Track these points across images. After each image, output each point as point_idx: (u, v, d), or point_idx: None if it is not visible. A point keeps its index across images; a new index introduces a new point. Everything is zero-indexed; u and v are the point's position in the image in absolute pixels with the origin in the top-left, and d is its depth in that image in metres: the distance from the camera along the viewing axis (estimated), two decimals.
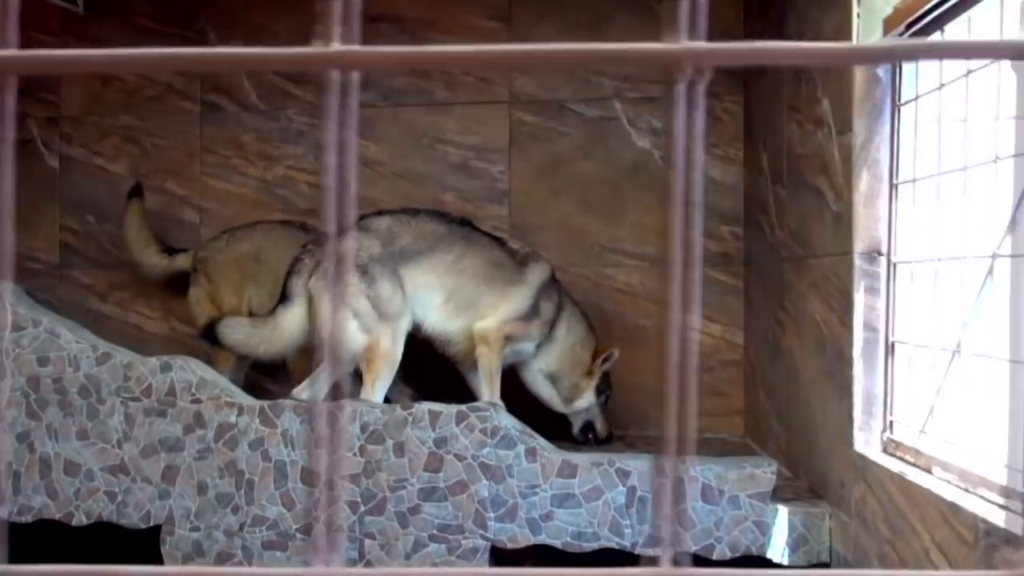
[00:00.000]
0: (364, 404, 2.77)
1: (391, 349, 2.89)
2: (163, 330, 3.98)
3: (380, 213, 3.10)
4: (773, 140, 3.16)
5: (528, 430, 2.77)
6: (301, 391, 2.97)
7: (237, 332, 2.96)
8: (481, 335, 3.04)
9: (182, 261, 3.61)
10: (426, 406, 2.74)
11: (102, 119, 4.04)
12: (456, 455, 2.71)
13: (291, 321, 2.91)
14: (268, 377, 3.90)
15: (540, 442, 2.72)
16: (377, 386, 2.89)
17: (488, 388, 3.05)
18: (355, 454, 2.75)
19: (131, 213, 3.71)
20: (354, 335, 2.86)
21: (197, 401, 2.84)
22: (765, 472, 2.61)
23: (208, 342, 3.07)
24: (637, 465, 2.66)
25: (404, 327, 2.96)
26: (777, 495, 2.63)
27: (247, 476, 2.80)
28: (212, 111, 3.98)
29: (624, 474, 2.66)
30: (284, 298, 2.93)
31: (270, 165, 3.93)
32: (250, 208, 3.91)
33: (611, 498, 2.65)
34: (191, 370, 2.87)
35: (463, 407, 2.72)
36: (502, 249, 3.14)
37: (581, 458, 2.70)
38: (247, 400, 2.86)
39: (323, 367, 2.81)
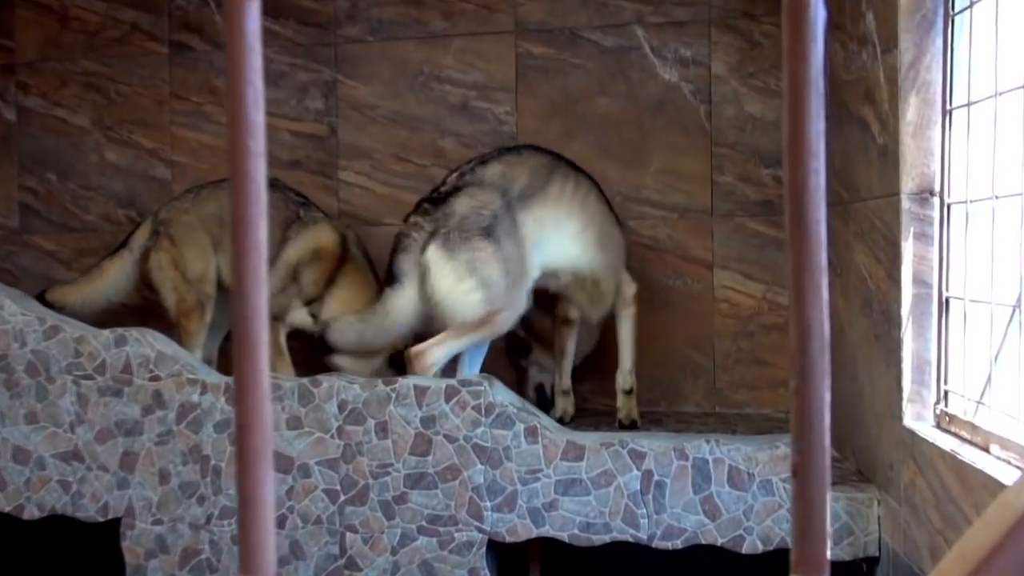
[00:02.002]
0: (341, 379, 2.72)
1: (509, 320, 2.85)
2: (135, 300, 3.96)
3: (483, 161, 3.01)
4: None
5: (529, 406, 2.70)
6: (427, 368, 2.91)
7: (349, 333, 2.91)
8: (633, 294, 3.16)
9: (141, 234, 3.57)
10: (411, 380, 2.68)
11: (61, 65, 4.00)
12: (446, 436, 2.65)
13: (405, 304, 2.83)
14: None
15: (542, 420, 2.65)
16: (460, 342, 2.83)
17: (631, 356, 3.17)
18: (332, 436, 2.71)
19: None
20: (475, 307, 2.80)
21: (156, 378, 2.81)
22: None
23: (324, 351, 3.00)
24: (654, 446, 2.57)
25: (530, 287, 2.92)
26: None
27: (213, 462, 2.77)
28: (181, 52, 3.93)
29: (639, 456, 2.57)
30: (392, 280, 2.86)
31: None
32: (226, 161, 3.85)
33: (624, 484, 2.57)
34: (148, 343, 2.83)
35: (453, 381, 2.66)
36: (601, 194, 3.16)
37: (589, 438, 2.62)
38: (211, 377, 2.82)
39: (445, 341, 2.78)
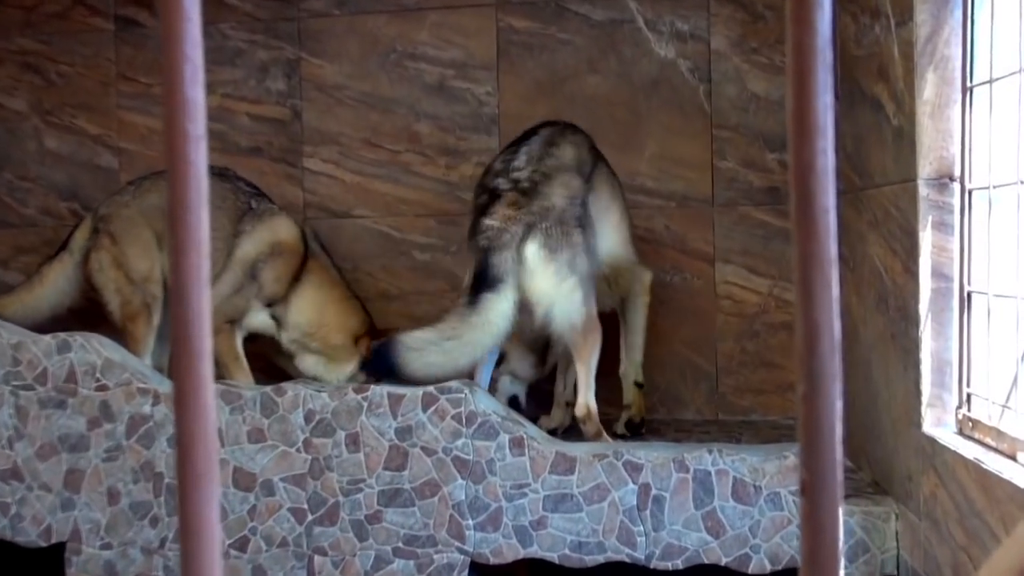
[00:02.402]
0: (307, 388, 2.71)
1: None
2: (84, 305, 3.93)
3: (551, 143, 2.98)
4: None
5: (514, 415, 2.69)
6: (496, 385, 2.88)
7: (430, 353, 2.68)
8: (650, 281, 3.22)
9: (81, 233, 3.54)
10: (384, 388, 2.67)
11: None
12: (424, 448, 2.64)
13: (507, 312, 2.73)
14: None
15: (528, 429, 2.64)
16: (592, 374, 2.83)
17: (642, 347, 3.20)
18: (299, 450, 2.70)
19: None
20: (577, 310, 2.78)
21: (103, 388, 2.79)
22: None
23: (383, 376, 2.78)
24: (651, 457, 2.57)
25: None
26: None
27: (167, 480, 2.75)
28: (128, 28, 3.90)
29: (635, 468, 2.57)
30: (489, 282, 2.74)
31: None
32: None
33: (619, 499, 2.57)
34: (94, 350, 2.81)
35: (431, 388, 2.65)
36: None
37: (580, 449, 2.62)
38: (164, 386, 2.80)
39: (588, 381, 2.79)
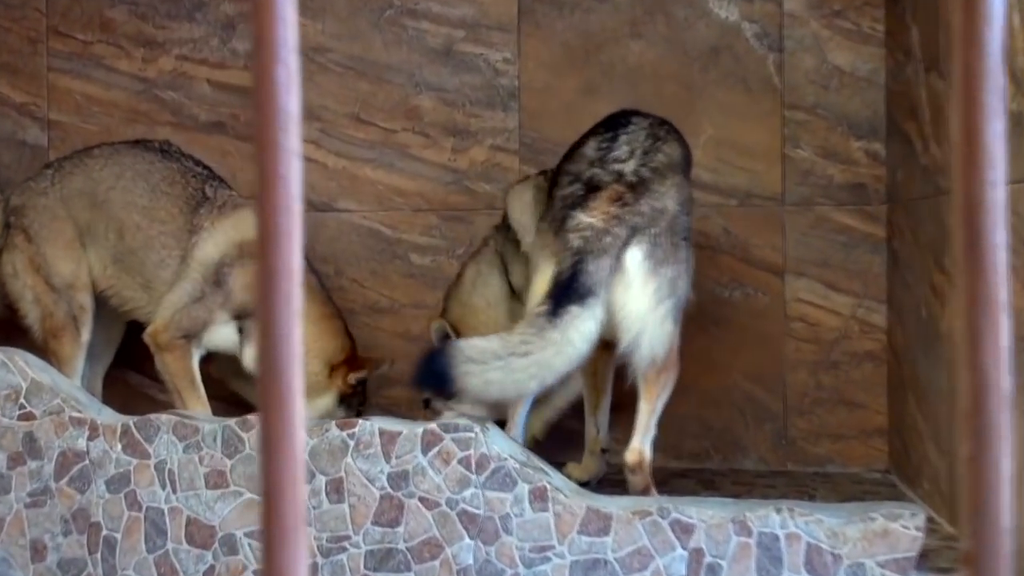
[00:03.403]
0: None
1: None
2: (3, 314, 3.96)
3: (655, 136, 3.02)
4: (927, 5, 3.04)
5: (534, 459, 2.70)
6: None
7: (493, 369, 2.64)
8: None
9: None
10: (376, 423, 2.68)
11: None
12: (423, 499, 2.65)
13: (594, 330, 2.72)
14: (154, 380, 3.87)
15: (553, 478, 2.65)
16: (657, 416, 2.90)
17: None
18: None
19: None
20: (665, 340, 2.83)
21: (28, 417, 2.81)
22: (907, 527, 2.51)
23: (429, 389, 2.86)
24: (705, 516, 2.57)
25: None
26: (929, 563, 2.55)
27: (105, 532, 2.77)
28: None
29: (685, 530, 2.57)
30: (576, 294, 2.73)
31: (153, 54, 3.88)
32: (124, 121, 3.86)
33: (664, 567, 2.57)
34: (17, 369, 2.83)
35: (432, 425, 2.66)
36: None
37: (617, 504, 2.62)
38: (103, 415, 2.82)
39: (650, 424, 2.85)
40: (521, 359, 2.65)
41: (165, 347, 3.29)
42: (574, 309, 2.70)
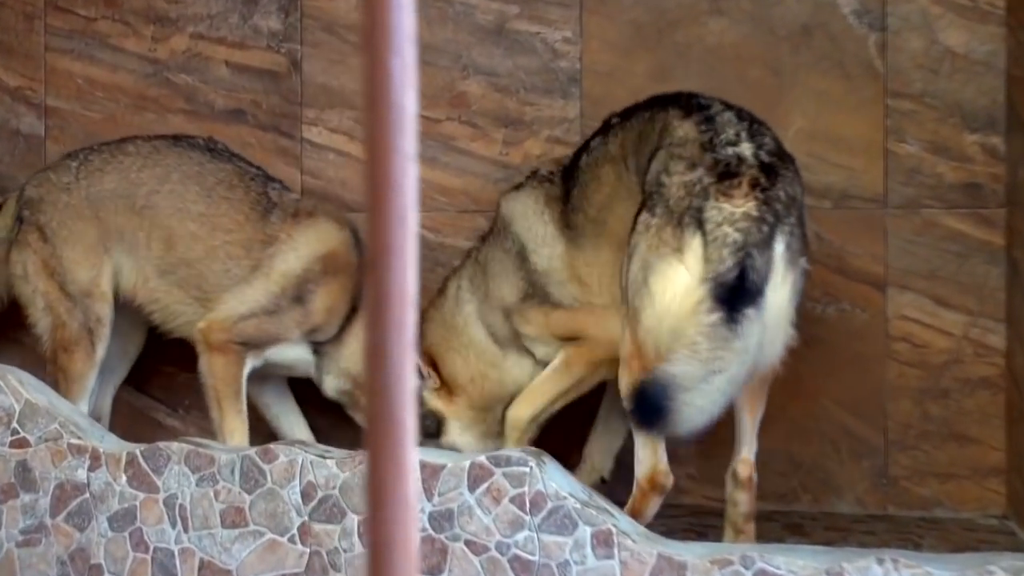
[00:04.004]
0: (306, 451, 2.73)
1: None
2: None
3: (752, 122, 3.08)
4: None
5: (597, 498, 2.70)
6: None
7: (699, 394, 2.75)
8: None
9: (4, 217, 3.58)
10: (416, 454, 2.67)
11: None
12: (470, 543, 2.66)
13: (760, 337, 2.85)
14: (162, 402, 3.89)
15: (619, 521, 2.66)
16: None
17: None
18: (292, 539, 2.74)
19: None
20: (783, 348, 2.97)
21: (21, 444, 2.83)
22: None
23: (647, 426, 2.87)
24: (795, 566, 2.56)
25: None
26: None
27: (108, 574, 2.77)
28: None
29: None
30: (748, 295, 2.80)
31: (164, 32, 3.90)
32: (131, 108, 3.88)
33: None
34: (10, 389, 2.85)
35: (481, 457, 2.67)
36: None
37: (692, 551, 2.62)
38: (107, 443, 2.84)
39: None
40: (719, 377, 2.75)
41: (218, 348, 3.33)
42: (751, 312, 2.79)
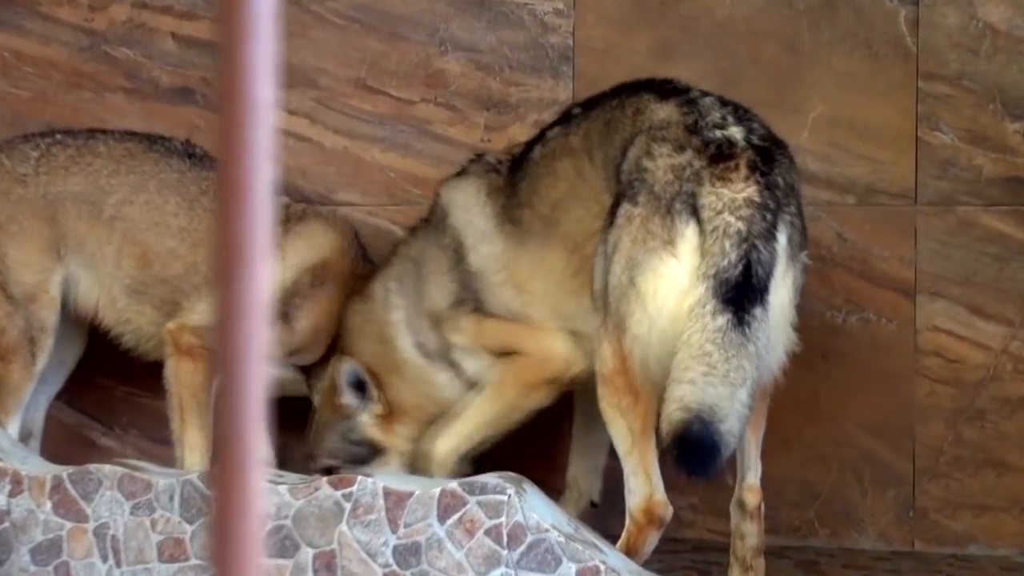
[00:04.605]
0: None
1: None
2: None
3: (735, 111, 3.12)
4: None
5: (584, 530, 2.71)
6: None
7: (732, 418, 2.82)
8: None
9: None
10: (379, 480, 2.68)
11: None
12: None
13: (768, 337, 2.95)
14: (97, 420, 3.88)
15: (608, 556, 2.67)
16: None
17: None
18: None
19: None
20: (785, 354, 3.05)
21: None
22: None
23: (701, 471, 2.90)
24: None
25: None
26: None
27: None
28: None
29: None
30: (755, 293, 2.86)
31: (102, 1, 3.89)
32: (64, 86, 3.88)
33: None
34: None
35: (453, 484, 2.67)
36: None
37: None
38: (30, 465, 2.84)
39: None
40: (741, 391, 2.80)
41: (187, 352, 3.33)
42: (758, 313, 2.83)
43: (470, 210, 3.31)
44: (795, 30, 3.59)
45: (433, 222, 3.40)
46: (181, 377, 3.30)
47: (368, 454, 3.37)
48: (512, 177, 3.27)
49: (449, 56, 3.74)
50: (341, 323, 3.44)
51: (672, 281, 2.86)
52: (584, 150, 3.17)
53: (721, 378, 2.77)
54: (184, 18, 3.86)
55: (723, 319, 2.79)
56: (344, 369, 3.34)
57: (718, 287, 2.81)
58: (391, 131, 3.75)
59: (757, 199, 2.89)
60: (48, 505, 2.79)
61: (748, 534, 3.02)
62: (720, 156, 2.93)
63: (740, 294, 2.82)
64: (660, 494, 2.95)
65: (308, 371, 3.44)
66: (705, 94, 3.13)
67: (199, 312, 3.34)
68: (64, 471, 2.81)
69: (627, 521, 2.97)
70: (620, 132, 3.09)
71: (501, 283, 3.25)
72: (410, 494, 2.68)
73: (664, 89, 3.14)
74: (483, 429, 3.26)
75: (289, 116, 3.80)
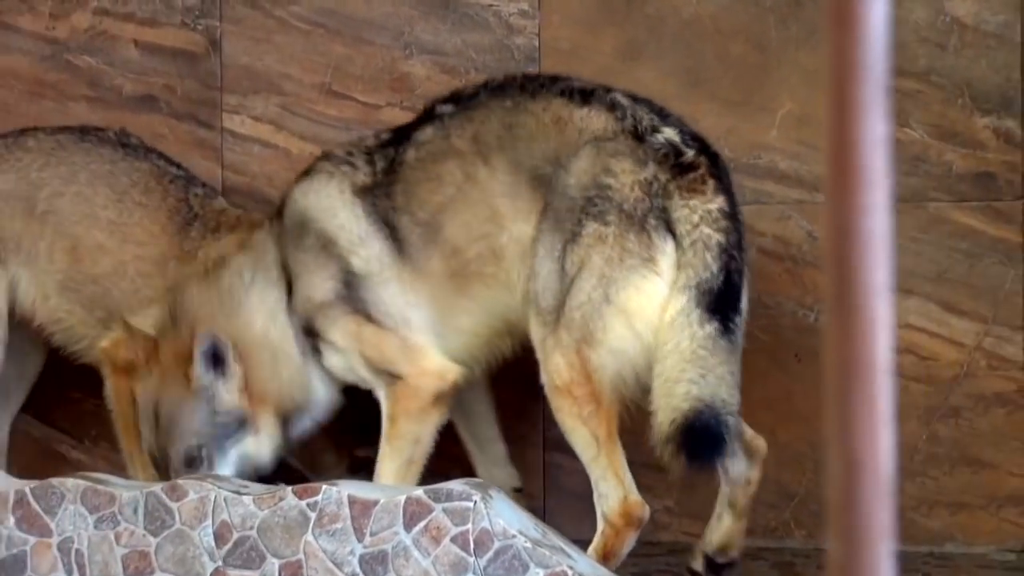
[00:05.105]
0: (218, 486, 2.72)
1: None
2: None
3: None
4: None
5: (552, 535, 2.69)
6: None
7: (732, 415, 3.00)
8: None
9: None
10: (344, 488, 2.67)
11: None
12: None
13: None
14: (66, 433, 3.88)
15: (577, 562, 2.67)
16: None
17: None
18: None
19: None
20: None
21: None
22: None
23: (711, 463, 3.03)
24: None
25: None
26: None
27: None
28: None
29: None
30: (734, 300, 3.00)
31: (64, 8, 3.89)
32: (25, 96, 3.88)
33: None
34: None
35: (418, 491, 2.66)
36: None
37: None
38: None
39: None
40: (736, 391, 2.95)
41: (125, 369, 3.28)
42: (738, 319, 2.99)
43: (337, 214, 3.25)
44: (762, 27, 3.59)
45: (289, 224, 3.31)
46: (122, 394, 3.27)
47: (236, 425, 3.25)
48: (383, 178, 3.23)
49: (414, 59, 3.74)
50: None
51: (654, 297, 2.94)
52: (475, 153, 3.17)
53: (719, 378, 2.88)
54: (146, 25, 3.86)
55: (711, 327, 2.89)
56: (204, 339, 3.21)
57: (701, 297, 2.91)
58: (357, 135, 3.74)
59: (728, 209, 2.99)
60: (11, 520, 2.78)
61: (753, 481, 3.13)
62: (682, 167, 3.00)
63: (723, 302, 2.92)
64: (635, 494, 2.99)
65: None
66: (609, 90, 3.18)
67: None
68: (27, 485, 2.80)
69: (601, 525, 2.98)
70: (540, 140, 3.12)
71: (381, 285, 3.22)
72: (375, 502, 2.67)
73: (564, 90, 3.19)
74: (405, 475, 3.19)
75: (255, 123, 3.80)
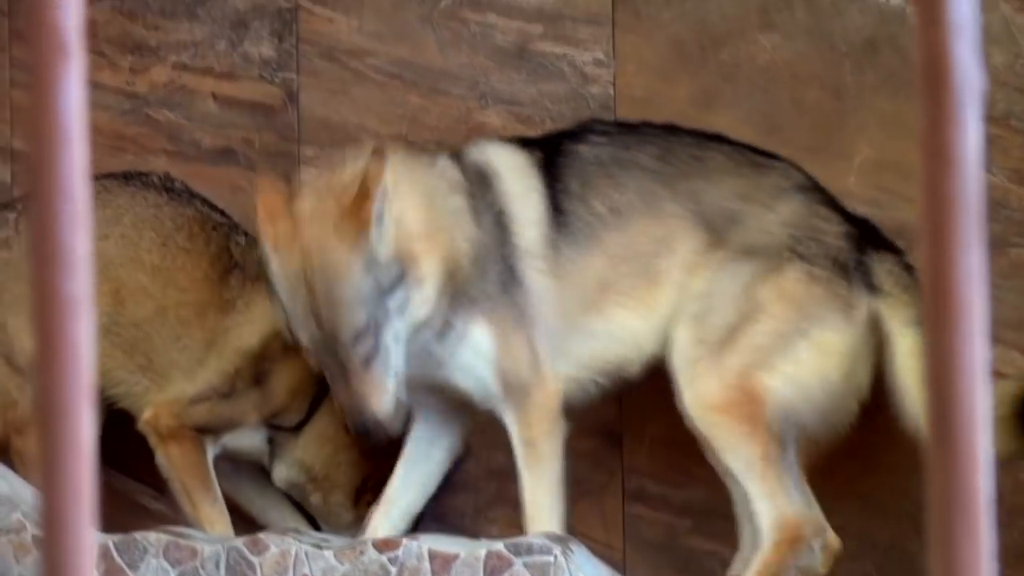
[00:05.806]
0: (300, 540, 2.73)
1: None
2: None
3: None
4: None
5: None
6: None
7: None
8: None
9: None
10: (424, 542, 2.68)
11: None
12: None
13: None
14: (148, 485, 3.88)
15: None
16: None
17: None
18: None
19: None
20: None
21: None
22: None
23: None
24: None
25: None
26: None
27: None
28: None
29: None
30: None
31: (143, 63, 3.92)
32: (107, 150, 3.88)
33: None
34: None
35: (498, 544, 2.66)
36: None
37: None
38: None
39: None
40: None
41: (171, 436, 3.31)
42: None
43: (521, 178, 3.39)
44: (838, 73, 3.58)
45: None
46: (175, 463, 3.28)
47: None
48: (556, 158, 3.35)
49: (490, 109, 3.74)
50: None
51: (850, 343, 3.16)
52: (658, 172, 3.34)
53: None
54: (224, 78, 3.88)
55: None
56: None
57: None
58: None
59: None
60: (95, 574, 2.80)
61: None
62: (861, 226, 3.27)
63: None
64: (794, 513, 3.11)
65: (273, 443, 3.39)
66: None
67: (172, 389, 3.30)
68: (110, 539, 2.82)
69: (767, 546, 3.10)
70: (734, 177, 3.33)
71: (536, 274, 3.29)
72: (456, 556, 2.68)
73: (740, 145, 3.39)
74: (558, 496, 3.04)
75: None
